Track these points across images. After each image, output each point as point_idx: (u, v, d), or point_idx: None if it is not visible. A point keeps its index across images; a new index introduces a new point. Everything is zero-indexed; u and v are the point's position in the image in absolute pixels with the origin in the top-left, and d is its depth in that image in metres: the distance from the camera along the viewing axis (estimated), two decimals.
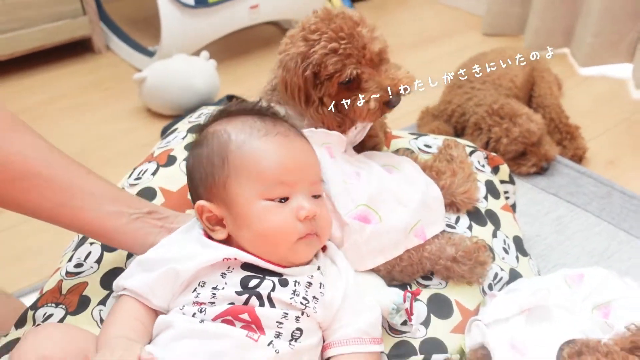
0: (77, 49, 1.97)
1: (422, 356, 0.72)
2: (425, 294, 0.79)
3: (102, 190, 0.75)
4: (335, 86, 0.81)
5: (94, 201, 0.74)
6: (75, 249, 0.87)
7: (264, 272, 0.67)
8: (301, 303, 0.65)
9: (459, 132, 1.45)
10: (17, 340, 0.77)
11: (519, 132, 1.29)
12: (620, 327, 0.76)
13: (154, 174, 0.95)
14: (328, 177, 0.79)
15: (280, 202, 0.68)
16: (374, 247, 0.77)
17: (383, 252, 0.78)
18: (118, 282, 0.70)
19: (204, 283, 0.66)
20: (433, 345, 0.74)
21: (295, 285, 0.66)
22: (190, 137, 1.01)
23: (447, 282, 0.81)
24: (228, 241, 0.71)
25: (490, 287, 0.84)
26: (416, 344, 0.73)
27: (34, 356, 0.58)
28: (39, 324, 0.77)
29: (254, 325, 0.63)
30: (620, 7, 1.77)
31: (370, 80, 0.81)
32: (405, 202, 0.80)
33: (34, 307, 0.80)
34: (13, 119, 0.71)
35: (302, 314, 0.65)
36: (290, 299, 0.64)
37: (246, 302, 0.64)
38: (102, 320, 0.75)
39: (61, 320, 0.76)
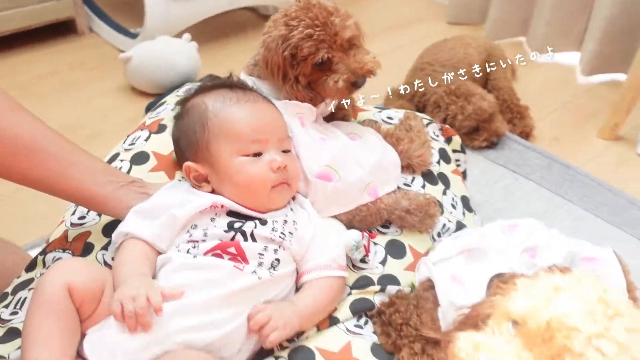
0: (61, 30, 2.05)
1: (379, 287, 0.86)
2: (383, 240, 0.93)
3: (94, 163, 0.85)
4: (309, 67, 0.93)
5: (88, 172, 0.83)
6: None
7: (246, 218, 0.81)
8: (279, 237, 0.78)
9: (421, 110, 1.58)
10: (29, 280, 0.88)
11: (472, 110, 1.44)
12: (543, 266, 0.91)
13: (146, 139, 1.06)
14: (298, 142, 0.92)
15: (255, 156, 0.82)
16: (333, 201, 0.90)
17: (340, 205, 0.91)
18: (120, 230, 0.79)
19: (196, 226, 0.79)
20: (388, 279, 0.88)
21: (273, 224, 0.79)
22: (178, 109, 1.14)
23: (402, 230, 0.96)
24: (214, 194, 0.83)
25: (439, 235, 0.98)
26: (374, 278, 0.87)
27: (59, 282, 0.68)
28: (49, 266, 0.89)
29: (240, 257, 0.76)
30: (570, 0, 1.93)
31: (340, 63, 0.93)
32: (363, 165, 0.93)
33: (43, 252, 0.91)
34: (12, 99, 0.79)
35: (280, 247, 0.78)
36: (270, 233, 0.78)
37: (232, 239, 0.77)
38: (105, 263, 0.85)
39: None
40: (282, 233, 0.79)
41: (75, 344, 0.68)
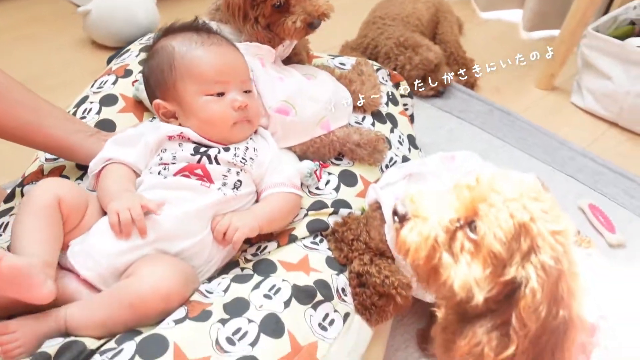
0: None
1: (332, 209, 0.96)
2: (337, 170, 1.03)
3: (60, 112, 0.91)
4: (269, 8, 1.01)
5: (57, 120, 0.89)
6: None
7: (211, 146, 0.90)
8: (241, 162, 0.87)
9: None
10: (9, 208, 0.93)
11: (419, 60, 1.54)
12: None
13: (114, 83, 1.12)
14: (259, 81, 1.00)
15: (218, 96, 0.90)
16: (290, 133, 1.00)
17: (296, 137, 1.01)
18: (101, 156, 0.87)
19: (166, 150, 0.88)
20: (341, 204, 0.98)
21: (235, 150, 0.88)
22: (143, 55, 1.20)
23: (354, 162, 1.06)
24: None
25: (387, 167, 1.09)
26: (328, 202, 0.97)
27: (50, 192, 0.76)
28: None
29: (206, 177, 0.85)
30: None
31: (297, 5, 1.01)
32: (317, 101, 1.02)
33: (21, 184, 0.97)
34: None
35: (241, 170, 0.88)
36: (232, 158, 0.87)
37: (198, 161, 0.86)
38: None
39: None
40: (243, 158, 0.88)
41: (59, 249, 0.76)
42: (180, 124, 0.91)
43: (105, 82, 1.13)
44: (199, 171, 0.85)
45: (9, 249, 0.79)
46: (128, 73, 1.14)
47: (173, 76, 0.90)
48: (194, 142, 0.89)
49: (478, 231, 0.53)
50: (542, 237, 0.54)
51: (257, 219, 0.85)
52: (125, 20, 1.71)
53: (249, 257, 0.90)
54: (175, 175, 0.84)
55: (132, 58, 1.19)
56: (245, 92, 0.93)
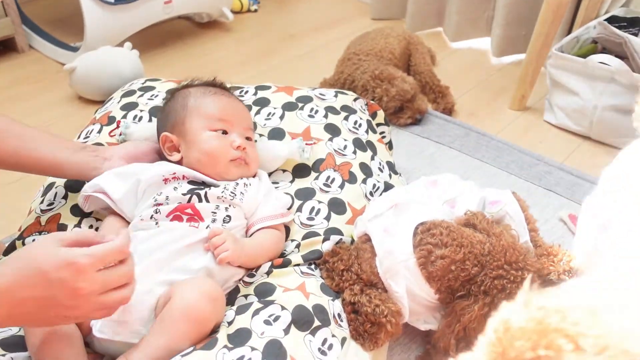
0: (1, 49, 2.10)
1: (324, 237, 1.01)
2: (326, 198, 1.07)
3: (44, 134, 0.97)
4: None
5: (43, 142, 0.95)
6: (44, 194, 1.08)
7: (203, 185, 0.95)
8: (229, 195, 0.93)
9: None
10: None
11: (395, 91, 1.61)
12: (460, 213, 1.07)
13: (99, 132, 1.17)
14: None
15: (221, 134, 0.98)
16: None
17: None
18: (94, 182, 0.94)
19: (161, 192, 0.93)
20: (332, 231, 1.02)
21: (224, 187, 0.95)
22: (125, 101, 1.26)
23: (342, 189, 1.10)
24: (179, 164, 0.99)
25: (371, 194, 1.14)
26: (320, 231, 1.02)
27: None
28: None
29: (196, 216, 0.90)
30: None
31: None
32: None
33: (20, 237, 1.00)
34: None
35: (230, 205, 0.93)
36: (221, 193, 0.93)
37: (189, 201, 0.91)
38: None
39: None
40: (232, 192, 0.94)
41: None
42: (182, 158, 0.99)
43: (91, 132, 1.18)
44: (189, 210, 0.90)
45: None
46: (111, 120, 1.20)
47: (184, 114, 1.00)
48: (189, 180, 0.95)
49: None
50: None
51: (243, 255, 0.91)
52: (110, 74, 1.77)
53: (246, 279, 0.93)
54: (167, 216, 0.89)
55: (114, 105, 1.26)
56: (247, 139, 1.01)
